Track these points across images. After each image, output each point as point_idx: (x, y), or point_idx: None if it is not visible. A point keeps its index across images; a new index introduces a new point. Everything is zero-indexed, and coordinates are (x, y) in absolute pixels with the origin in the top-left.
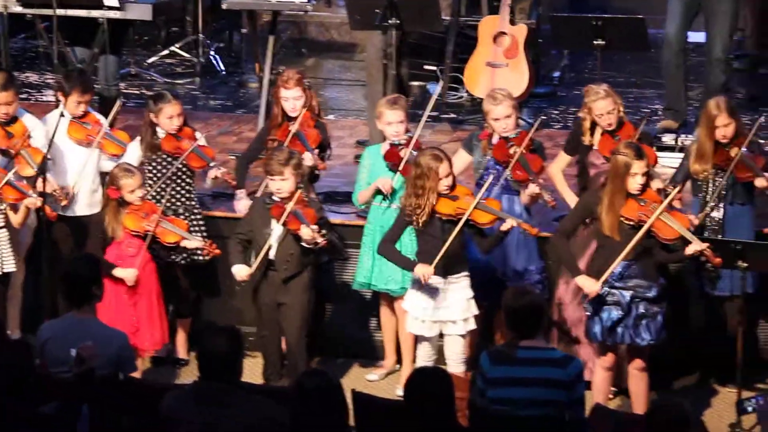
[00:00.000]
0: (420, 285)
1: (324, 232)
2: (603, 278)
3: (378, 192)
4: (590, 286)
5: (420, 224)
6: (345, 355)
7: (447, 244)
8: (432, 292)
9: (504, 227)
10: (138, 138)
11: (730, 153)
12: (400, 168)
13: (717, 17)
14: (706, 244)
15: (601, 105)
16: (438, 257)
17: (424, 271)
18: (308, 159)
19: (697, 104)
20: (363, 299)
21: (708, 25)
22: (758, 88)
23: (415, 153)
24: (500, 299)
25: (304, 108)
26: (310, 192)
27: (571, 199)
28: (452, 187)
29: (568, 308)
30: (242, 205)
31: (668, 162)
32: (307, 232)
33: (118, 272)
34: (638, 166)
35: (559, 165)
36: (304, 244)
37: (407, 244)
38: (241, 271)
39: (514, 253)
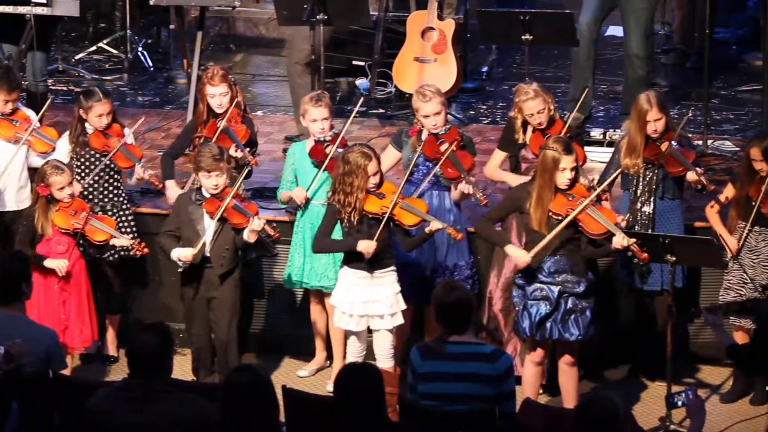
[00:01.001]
0: (346, 280)
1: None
2: (533, 252)
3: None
4: (521, 256)
5: (349, 221)
6: (275, 351)
7: (374, 242)
8: (359, 286)
9: (428, 229)
10: (67, 133)
11: (661, 147)
12: (325, 165)
13: (632, 13)
14: (633, 239)
15: (531, 105)
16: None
17: (366, 246)
18: (238, 154)
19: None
20: (293, 295)
21: (624, 21)
22: (685, 83)
23: (341, 150)
24: (430, 295)
25: (231, 104)
26: (241, 188)
27: (518, 182)
28: (379, 185)
29: (498, 303)
30: (173, 192)
31: (597, 156)
32: (258, 223)
33: (48, 262)
34: (567, 161)
35: (494, 162)
36: (247, 237)
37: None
38: (184, 252)
39: (444, 249)
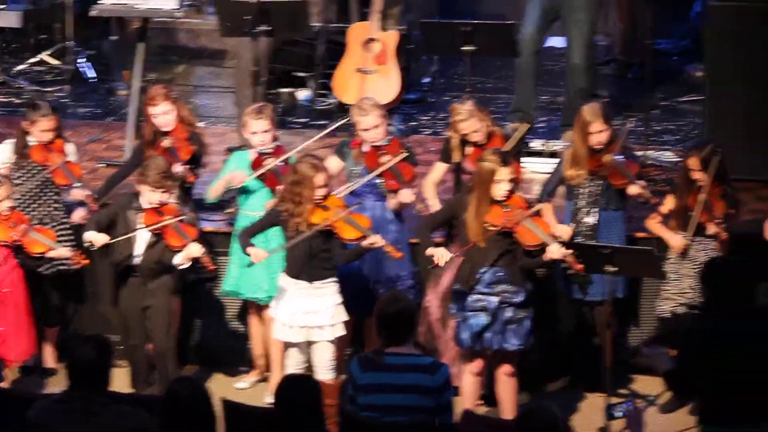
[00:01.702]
0: (286, 291)
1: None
2: (464, 249)
3: (241, 191)
4: (443, 254)
5: (296, 231)
6: (214, 363)
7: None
8: (299, 297)
9: (366, 243)
10: (9, 141)
11: (604, 159)
12: (258, 174)
13: (574, 24)
14: (569, 251)
15: (466, 125)
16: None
17: (255, 252)
18: (179, 171)
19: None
20: (232, 307)
21: (566, 32)
22: (626, 94)
23: (292, 161)
24: (371, 307)
25: (176, 121)
26: (186, 205)
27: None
28: (326, 197)
29: (435, 313)
30: (78, 192)
31: (537, 167)
32: (195, 249)
33: None
34: (503, 173)
35: (435, 174)
36: (179, 260)
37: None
38: (96, 236)
39: (386, 260)
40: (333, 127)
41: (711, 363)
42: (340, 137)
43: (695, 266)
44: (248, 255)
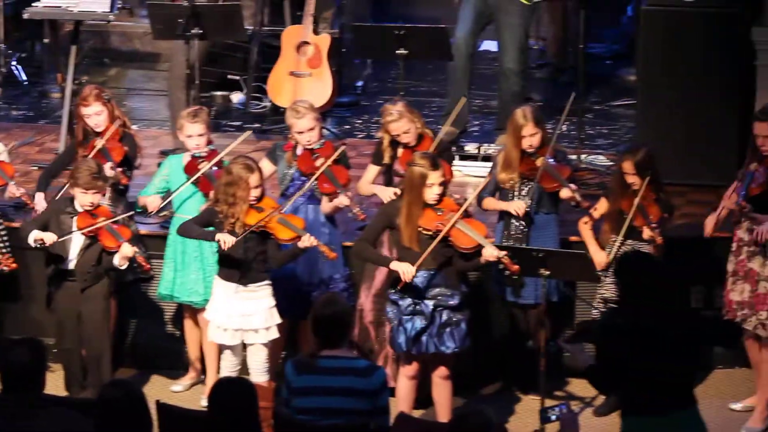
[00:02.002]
0: (221, 293)
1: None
2: (417, 264)
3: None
4: (406, 269)
5: (231, 232)
6: (149, 366)
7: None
8: (233, 300)
9: (301, 244)
10: None
11: (536, 162)
12: (193, 179)
13: (507, 29)
14: (503, 252)
15: (396, 126)
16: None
17: (226, 239)
18: (110, 173)
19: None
20: (167, 310)
21: (499, 36)
22: (559, 97)
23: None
24: (305, 310)
25: (108, 121)
26: (120, 207)
27: (387, 193)
28: (260, 199)
29: (369, 315)
30: (42, 206)
31: (471, 171)
32: (128, 250)
33: None
34: (434, 177)
35: (368, 177)
36: (117, 262)
37: (208, 254)
38: (46, 234)
39: (319, 261)
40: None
41: (624, 357)
42: (274, 140)
43: None
44: (216, 240)
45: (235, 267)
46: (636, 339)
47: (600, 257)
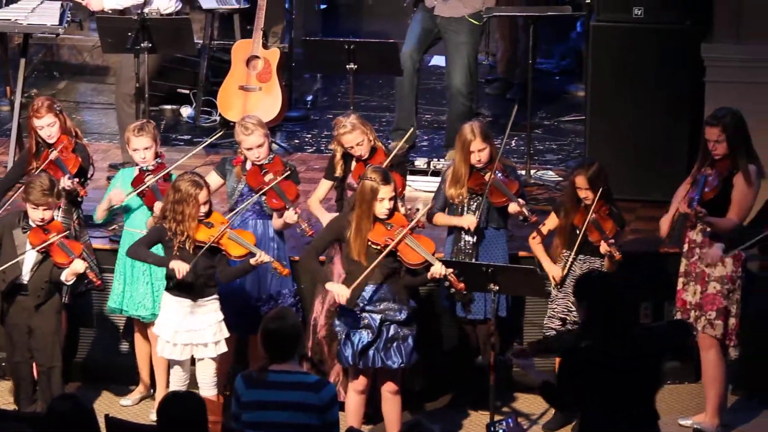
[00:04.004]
0: (170, 308)
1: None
2: (353, 287)
3: (125, 209)
4: (341, 291)
5: (180, 249)
6: (99, 380)
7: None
8: (183, 315)
9: (254, 261)
10: None
11: (485, 177)
12: (138, 191)
13: (455, 47)
14: (449, 270)
15: (349, 138)
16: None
17: (179, 266)
18: (67, 184)
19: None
20: (117, 323)
21: (447, 55)
22: (508, 113)
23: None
24: (254, 324)
25: (60, 132)
26: (74, 218)
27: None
28: (208, 214)
29: (322, 330)
30: None
31: (421, 186)
32: (79, 265)
33: None
34: (385, 191)
35: (320, 191)
36: (64, 277)
37: (157, 268)
38: None
39: (268, 277)
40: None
41: (584, 379)
42: (223, 154)
43: None
44: (170, 268)
45: (185, 282)
46: (599, 362)
47: (555, 271)
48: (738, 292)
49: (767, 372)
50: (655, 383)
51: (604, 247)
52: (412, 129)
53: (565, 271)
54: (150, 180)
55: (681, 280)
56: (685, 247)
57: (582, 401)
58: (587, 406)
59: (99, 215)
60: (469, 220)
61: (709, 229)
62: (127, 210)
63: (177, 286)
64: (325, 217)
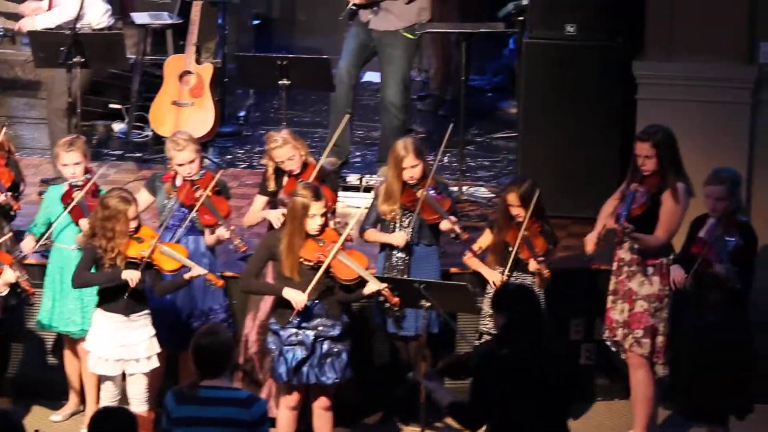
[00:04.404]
0: (101, 324)
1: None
2: (308, 291)
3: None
4: (297, 296)
5: (111, 266)
6: (29, 395)
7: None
8: (114, 330)
9: (188, 275)
10: None
11: (417, 194)
12: (69, 208)
13: (389, 62)
14: (384, 285)
15: (281, 153)
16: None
17: (131, 275)
18: (0, 199)
19: (375, 143)
20: (47, 339)
21: (381, 70)
22: (441, 129)
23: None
24: (186, 340)
25: None
26: (5, 231)
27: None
28: (137, 229)
29: (254, 346)
30: None
31: (353, 202)
32: (9, 275)
33: None
34: (316, 207)
35: (255, 207)
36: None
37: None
38: None
39: (199, 293)
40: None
41: (501, 387)
42: (155, 169)
43: None
44: (123, 279)
45: (116, 298)
46: (511, 375)
47: (495, 277)
48: (665, 310)
49: (698, 388)
50: (569, 396)
51: (533, 265)
52: (347, 116)
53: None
54: (78, 196)
55: (610, 298)
56: (615, 265)
57: (494, 413)
58: (499, 419)
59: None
60: (398, 238)
61: (636, 246)
62: (58, 226)
63: (109, 302)
64: (269, 213)
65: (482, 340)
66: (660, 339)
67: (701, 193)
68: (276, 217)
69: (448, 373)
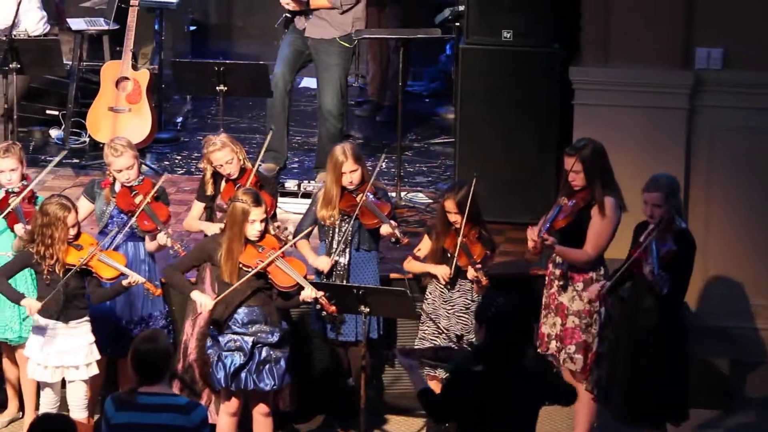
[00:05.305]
0: (41, 331)
1: None
2: (218, 298)
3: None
4: (205, 302)
5: (50, 273)
6: None
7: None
8: (53, 337)
9: (126, 282)
10: None
11: (356, 199)
12: (4, 214)
13: (325, 70)
14: (321, 292)
15: (219, 156)
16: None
17: (29, 303)
18: None
19: (313, 149)
20: None
21: (317, 77)
22: (379, 135)
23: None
24: (125, 347)
25: None
26: None
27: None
28: (76, 236)
29: (193, 353)
30: None
31: (291, 207)
32: None
33: None
34: (256, 213)
35: (194, 213)
36: None
37: (25, 291)
38: None
39: (139, 300)
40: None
41: (468, 402)
42: (92, 175)
43: (452, 307)
44: (20, 305)
45: (56, 305)
46: (485, 389)
47: (443, 270)
48: (595, 326)
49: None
50: (534, 413)
51: (471, 273)
52: (270, 133)
53: (436, 294)
54: (14, 202)
55: (543, 312)
56: (546, 279)
57: (461, 422)
58: (466, 424)
59: None
60: (323, 263)
61: (559, 260)
62: None
63: (47, 309)
64: (208, 227)
65: (461, 343)
66: (590, 355)
67: (640, 202)
68: (213, 231)
69: (423, 360)
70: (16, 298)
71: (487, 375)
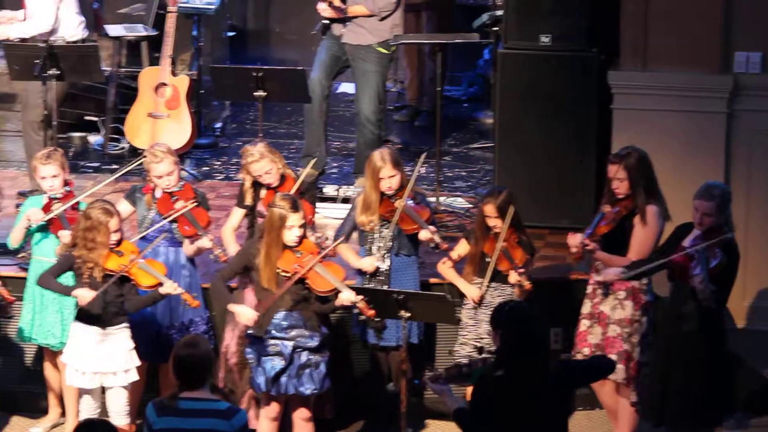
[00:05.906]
0: (78, 337)
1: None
2: (262, 310)
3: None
4: (244, 312)
5: (91, 277)
6: (9, 408)
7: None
8: (92, 343)
9: (163, 291)
10: None
11: (395, 204)
12: (50, 222)
13: (363, 76)
14: (359, 297)
15: (257, 167)
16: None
17: (81, 293)
18: None
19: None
20: (28, 351)
21: (356, 82)
22: (418, 140)
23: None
24: (166, 352)
25: None
26: None
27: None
28: (118, 242)
29: (234, 357)
30: None
31: (330, 213)
32: None
33: None
34: (294, 219)
35: (233, 220)
36: None
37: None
38: None
39: (179, 305)
40: (123, 171)
41: (495, 408)
42: (132, 182)
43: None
44: (73, 296)
45: (95, 311)
46: (509, 392)
47: (473, 292)
48: (636, 336)
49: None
50: (564, 416)
51: (513, 277)
52: (318, 155)
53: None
54: (58, 208)
55: (584, 321)
56: (589, 288)
57: (493, 429)
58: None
59: (16, 238)
60: (368, 264)
61: (601, 267)
62: (36, 237)
63: (86, 315)
64: (233, 248)
65: (482, 355)
66: (631, 365)
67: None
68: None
69: (451, 380)
70: (66, 291)
71: (508, 379)
